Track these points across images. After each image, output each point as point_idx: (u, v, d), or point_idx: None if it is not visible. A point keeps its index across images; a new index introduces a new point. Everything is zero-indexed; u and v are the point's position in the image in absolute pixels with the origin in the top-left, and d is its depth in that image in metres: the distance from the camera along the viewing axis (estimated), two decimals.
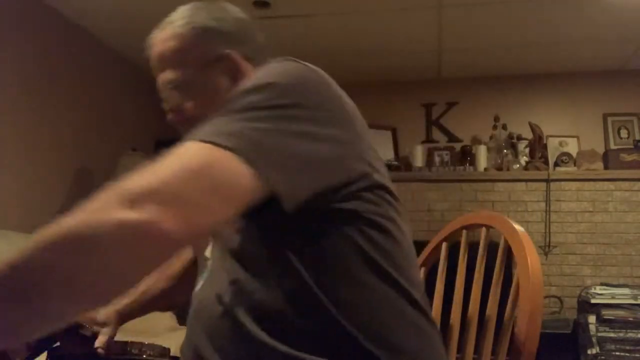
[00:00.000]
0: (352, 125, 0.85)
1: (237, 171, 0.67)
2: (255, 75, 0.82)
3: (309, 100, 0.79)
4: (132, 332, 1.35)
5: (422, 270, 1.26)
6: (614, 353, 3.43)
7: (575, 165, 4.10)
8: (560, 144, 4.21)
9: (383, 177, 0.88)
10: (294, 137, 0.74)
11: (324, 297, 0.78)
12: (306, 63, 0.85)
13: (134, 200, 0.59)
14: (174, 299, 1.31)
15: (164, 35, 1.00)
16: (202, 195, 0.64)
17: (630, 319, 3.44)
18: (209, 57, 0.98)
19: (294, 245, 0.80)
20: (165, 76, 0.99)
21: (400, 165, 4.36)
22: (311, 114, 0.78)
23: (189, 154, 0.67)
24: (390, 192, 0.89)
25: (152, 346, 1.16)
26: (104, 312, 1.12)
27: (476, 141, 4.33)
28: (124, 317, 1.16)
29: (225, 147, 0.68)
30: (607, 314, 3.47)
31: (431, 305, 1.17)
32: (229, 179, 0.67)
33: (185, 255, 1.32)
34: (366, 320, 0.79)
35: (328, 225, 0.80)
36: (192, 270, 1.29)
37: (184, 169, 0.65)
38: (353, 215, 0.81)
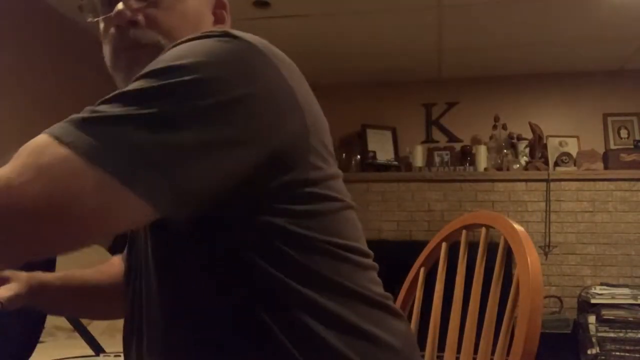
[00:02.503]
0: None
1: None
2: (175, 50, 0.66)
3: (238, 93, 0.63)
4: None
5: (422, 270, 1.26)
6: (614, 353, 3.43)
7: (575, 165, 4.10)
8: (560, 144, 4.21)
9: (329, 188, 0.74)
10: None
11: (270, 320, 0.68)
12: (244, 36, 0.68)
13: None
14: (112, 304, 1.06)
15: None
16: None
17: (630, 319, 3.45)
18: None
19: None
20: None
21: (400, 165, 4.36)
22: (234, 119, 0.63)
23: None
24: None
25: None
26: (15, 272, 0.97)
27: (476, 141, 4.33)
28: (35, 284, 0.97)
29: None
30: (607, 314, 3.47)
31: (431, 305, 1.17)
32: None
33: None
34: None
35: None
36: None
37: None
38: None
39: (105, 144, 0.56)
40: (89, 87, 3.66)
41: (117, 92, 0.61)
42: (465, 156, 4.29)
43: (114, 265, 1.08)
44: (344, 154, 4.41)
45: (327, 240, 0.71)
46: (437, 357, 1.15)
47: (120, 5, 0.79)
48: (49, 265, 1.11)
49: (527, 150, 4.20)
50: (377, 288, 0.78)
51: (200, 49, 0.64)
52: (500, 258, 1.06)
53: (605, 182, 3.97)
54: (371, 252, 0.80)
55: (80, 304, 1.06)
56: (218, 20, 0.88)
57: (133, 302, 0.82)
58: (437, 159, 4.37)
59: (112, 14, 0.79)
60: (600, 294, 3.52)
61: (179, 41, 0.68)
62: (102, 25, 0.85)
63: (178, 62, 0.62)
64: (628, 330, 3.44)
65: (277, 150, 0.66)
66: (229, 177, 0.63)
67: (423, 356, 1.14)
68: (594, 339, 3.46)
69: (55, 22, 3.37)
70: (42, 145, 0.58)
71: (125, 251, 0.95)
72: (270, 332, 0.67)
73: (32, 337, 1.11)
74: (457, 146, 4.39)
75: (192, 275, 0.71)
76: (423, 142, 4.46)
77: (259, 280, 0.67)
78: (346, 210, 0.76)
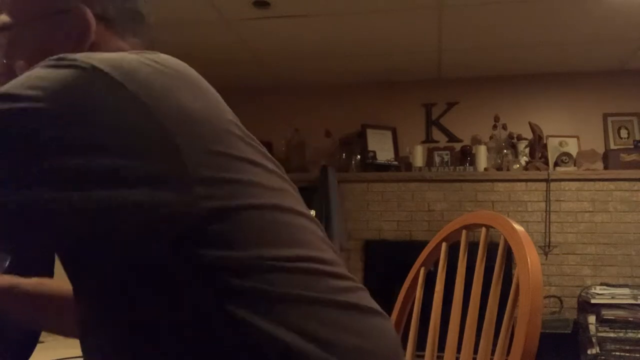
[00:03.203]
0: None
1: None
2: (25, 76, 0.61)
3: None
4: None
5: (422, 270, 1.26)
6: (614, 353, 3.43)
7: (575, 165, 4.10)
8: (560, 144, 4.21)
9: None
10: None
11: None
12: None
13: None
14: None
15: None
16: None
17: (630, 319, 3.45)
18: (49, 7, 0.77)
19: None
20: None
21: (400, 165, 4.36)
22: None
23: None
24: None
25: None
26: None
27: (476, 141, 4.33)
28: (5, 285, 0.92)
29: None
30: (607, 314, 3.47)
31: (431, 305, 1.17)
32: None
33: None
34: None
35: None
36: None
37: None
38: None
39: None
40: None
41: None
42: (465, 156, 4.29)
43: None
44: (344, 154, 4.42)
45: (257, 256, 0.63)
46: (437, 357, 1.15)
47: None
48: (48, 268, 1.10)
49: (527, 150, 4.20)
50: (339, 291, 0.70)
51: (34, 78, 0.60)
52: (500, 258, 1.06)
53: (605, 182, 3.97)
54: (326, 248, 0.74)
55: (53, 316, 0.98)
56: (102, 37, 0.80)
57: None
58: (437, 159, 4.37)
59: None
60: (600, 294, 3.53)
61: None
62: None
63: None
64: (628, 330, 3.44)
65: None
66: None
67: (418, 356, 1.14)
68: (594, 339, 3.46)
69: None
70: None
71: None
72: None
73: (31, 338, 1.11)
74: (457, 146, 4.40)
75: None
76: (423, 142, 4.47)
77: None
78: (274, 212, 0.68)
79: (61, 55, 0.61)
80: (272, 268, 0.63)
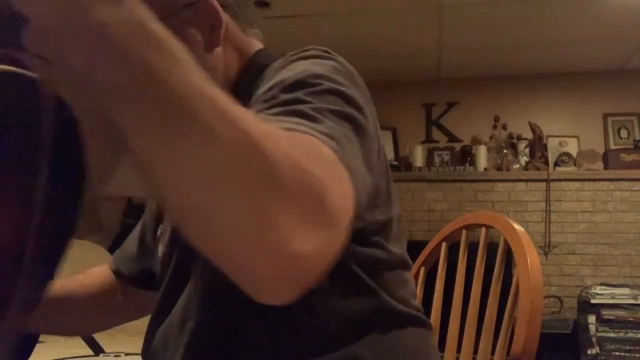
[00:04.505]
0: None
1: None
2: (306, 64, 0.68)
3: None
4: (131, 333, 1.35)
5: (422, 270, 1.26)
6: (614, 353, 3.43)
7: (575, 165, 4.10)
8: (560, 144, 4.22)
9: None
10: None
11: None
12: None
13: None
14: (85, 318, 0.98)
15: None
16: None
17: (630, 319, 3.45)
18: (176, 3, 0.74)
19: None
20: None
21: (400, 165, 4.36)
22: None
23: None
24: None
25: None
26: None
27: (476, 141, 4.33)
28: None
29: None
30: (607, 314, 3.47)
31: (431, 305, 1.17)
32: None
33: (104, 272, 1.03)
34: None
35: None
36: (111, 299, 1.00)
37: None
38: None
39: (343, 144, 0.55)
40: None
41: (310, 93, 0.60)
42: (465, 156, 4.29)
43: (93, 275, 1.02)
44: None
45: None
46: None
47: None
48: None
49: (527, 150, 4.20)
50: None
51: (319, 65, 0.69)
52: (500, 258, 1.06)
53: (605, 182, 3.97)
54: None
55: (47, 316, 0.92)
56: (233, 31, 0.82)
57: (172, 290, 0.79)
58: (437, 159, 4.37)
59: None
60: (600, 294, 3.53)
61: (288, 58, 0.72)
62: None
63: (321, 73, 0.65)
64: (628, 330, 3.44)
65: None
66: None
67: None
68: (594, 339, 3.46)
69: None
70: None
71: (165, 242, 0.86)
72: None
73: (31, 338, 1.11)
74: (457, 146, 4.39)
75: None
76: (423, 142, 4.47)
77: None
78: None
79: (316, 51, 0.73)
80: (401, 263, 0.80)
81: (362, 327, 0.73)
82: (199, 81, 0.40)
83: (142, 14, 0.40)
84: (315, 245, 0.42)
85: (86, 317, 0.98)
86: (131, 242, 1.03)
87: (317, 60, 0.70)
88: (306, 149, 0.48)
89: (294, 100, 0.57)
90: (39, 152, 0.46)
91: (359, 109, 0.63)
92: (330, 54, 0.75)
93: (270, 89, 0.61)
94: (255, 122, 0.42)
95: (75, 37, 0.38)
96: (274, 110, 0.56)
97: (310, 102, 0.57)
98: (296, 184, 0.42)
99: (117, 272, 1.01)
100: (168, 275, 0.81)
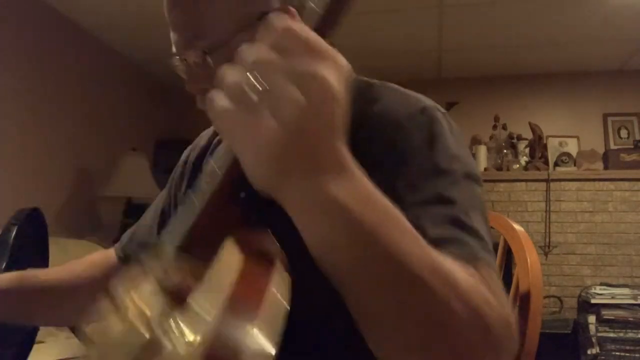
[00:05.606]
0: None
1: None
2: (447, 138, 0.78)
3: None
4: None
5: None
6: (614, 353, 3.43)
7: (575, 165, 4.10)
8: (560, 144, 4.21)
9: None
10: None
11: None
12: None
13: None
14: (72, 308, 0.93)
15: None
16: None
17: (630, 319, 3.44)
18: (251, 14, 0.70)
19: None
20: (198, 42, 0.70)
21: None
22: None
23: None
24: None
25: None
26: None
27: (476, 141, 4.33)
28: None
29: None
30: (607, 314, 3.47)
31: None
32: None
33: (101, 260, 1.02)
34: None
35: None
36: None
37: None
38: None
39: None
40: (87, 89, 3.66)
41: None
42: None
43: (88, 262, 1.00)
44: None
45: None
46: None
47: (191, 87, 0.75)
48: (42, 261, 1.10)
49: (527, 150, 4.20)
50: None
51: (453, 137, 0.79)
52: (500, 258, 1.06)
53: (605, 182, 3.97)
54: None
55: (51, 306, 0.93)
56: None
57: None
58: None
59: None
60: (600, 294, 3.52)
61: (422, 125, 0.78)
62: None
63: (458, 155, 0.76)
64: (628, 330, 3.44)
65: None
66: None
67: None
68: (594, 339, 3.46)
69: (56, 22, 3.37)
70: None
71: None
72: None
73: (28, 338, 1.10)
74: None
75: None
76: None
77: None
78: None
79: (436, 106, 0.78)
80: None
81: None
82: (412, 237, 0.47)
83: (357, 175, 0.44)
84: None
85: (77, 303, 0.95)
86: (144, 230, 1.01)
87: (449, 134, 0.78)
88: (485, 299, 0.52)
89: (443, 199, 0.66)
90: None
91: (480, 183, 0.74)
92: (446, 115, 0.80)
93: (420, 172, 0.70)
94: (459, 278, 0.49)
95: (311, 210, 0.42)
96: (430, 211, 0.64)
97: (456, 202, 0.66)
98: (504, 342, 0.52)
99: (124, 258, 1.00)
100: None
